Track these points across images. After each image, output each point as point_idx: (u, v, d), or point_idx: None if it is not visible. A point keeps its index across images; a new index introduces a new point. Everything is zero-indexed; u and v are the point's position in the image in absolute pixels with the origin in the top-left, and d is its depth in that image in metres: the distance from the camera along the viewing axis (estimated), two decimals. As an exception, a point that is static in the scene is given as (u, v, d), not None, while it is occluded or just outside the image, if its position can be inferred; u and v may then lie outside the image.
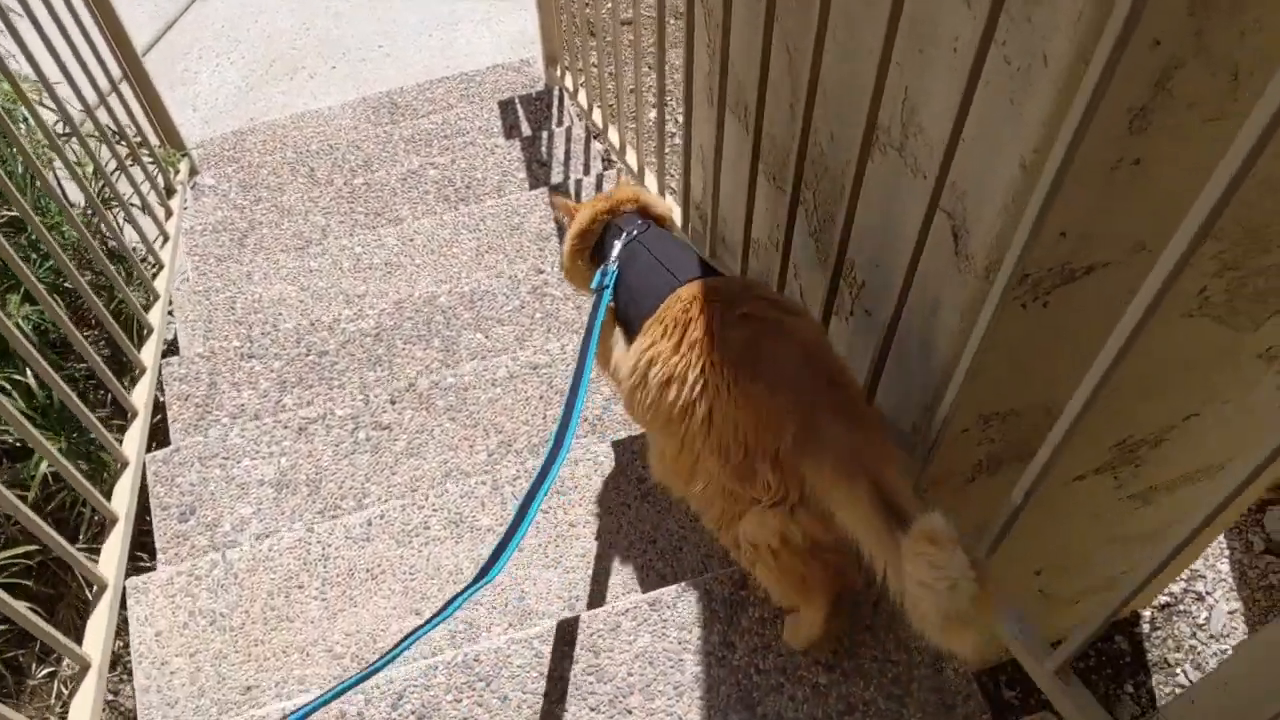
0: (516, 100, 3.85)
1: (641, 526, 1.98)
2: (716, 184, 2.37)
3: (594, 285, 1.77)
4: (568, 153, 3.50)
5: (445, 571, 1.94)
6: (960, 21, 1.30)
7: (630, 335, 1.67)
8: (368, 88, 4.44)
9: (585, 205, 1.95)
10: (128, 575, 1.97)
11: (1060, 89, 1.16)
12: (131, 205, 2.99)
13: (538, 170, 3.44)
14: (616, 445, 2.11)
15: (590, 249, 1.91)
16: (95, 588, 1.88)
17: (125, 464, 2.19)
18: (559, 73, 3.86)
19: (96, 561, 1.91)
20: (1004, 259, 1.29)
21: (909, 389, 1.76)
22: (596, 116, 3.39)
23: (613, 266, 1.76)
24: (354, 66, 4.58)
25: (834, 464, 1.34)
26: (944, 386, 1.65)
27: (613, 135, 3.19)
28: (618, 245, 1.79)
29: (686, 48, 2.28)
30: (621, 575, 1.92)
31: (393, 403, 2.35)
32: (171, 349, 3.04)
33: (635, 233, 1.81)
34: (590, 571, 1.93)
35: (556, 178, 3.44)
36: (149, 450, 2.31)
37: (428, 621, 1.37)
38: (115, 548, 1.96)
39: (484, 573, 1.41)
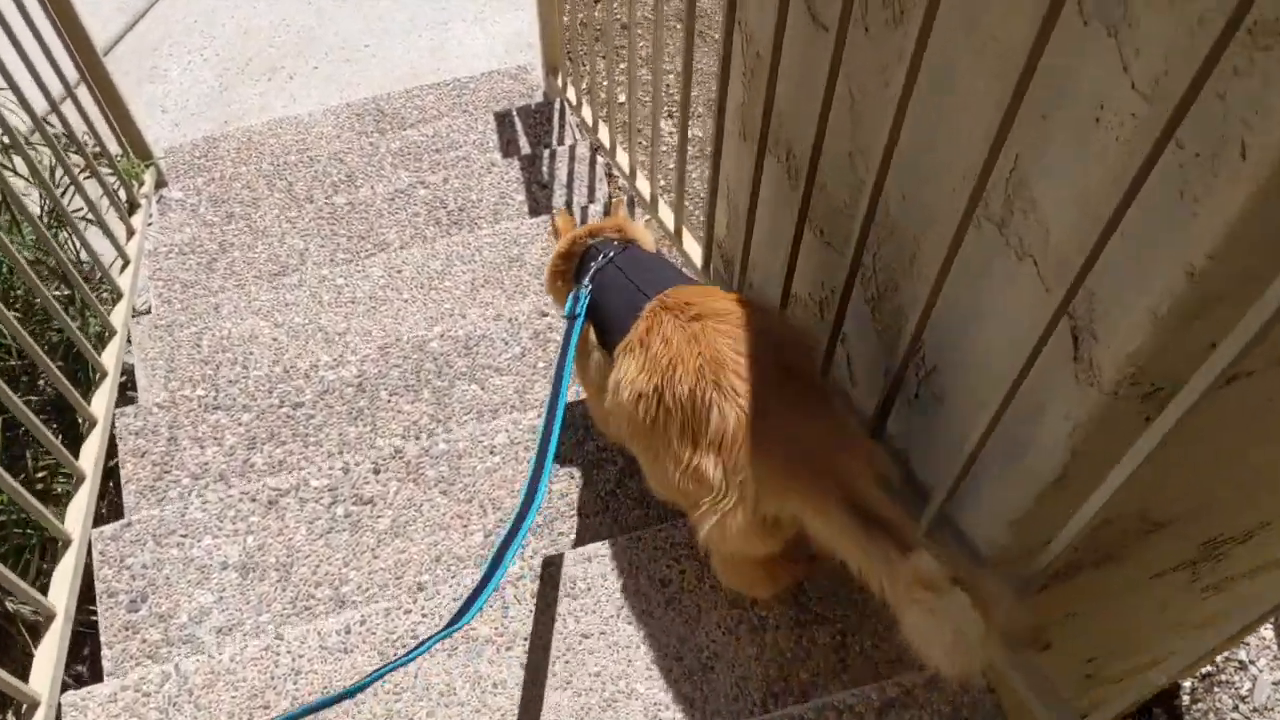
0: (514, 113, 3.56)
1: (665, 640, 1.71)
2: (749, 230, 2.09)
3: (566, 312, 1.77)
4: (571, 174, 3.20)
5: (435, 692, 1.66)
6: (1112, 88, 1.02)
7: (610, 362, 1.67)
8: (352, 91, 4.14)
9: (564, 242, 1.97)
10: (63, 689, 1.68)
11: (1260, 188, 0.90)
12: (88, 221, 2.69)
13: (538, 193, 3.16)
14: (634, 540, 1.83)
15: (570, 271, 1.92)
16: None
17: (68, 543, 1.90)
18: (560, 83, 3.56)
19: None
20: (1137, 372, 1.03)
21: (984, 491, 1.50)
22: (603, 135, 3.10)
23: (584, 291, 1.76)
24: (337, 67, 4.27)
25: (786, 463, 1.34)
26: (1033, 498, 1.40)
27: (621, 158, 2.91)
28: (592, 267, 1.79)
29: (720, 74, 2.00)
30: (642, 701, 1.64)
31: (376, 472, 2.07)
32: (126, 389, 2.74)
33: (611, 254, 1.79)
34: (605, 694, 1.65)
35: (559, 201, 3.15)
36: (96, 524, 2.02)
37: (392, 662, 1.38)
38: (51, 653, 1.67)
39: (457, 619, 1.40)
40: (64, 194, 2.71)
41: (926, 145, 1.42)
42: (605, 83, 2.92)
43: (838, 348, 1.86)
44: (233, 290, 2.89)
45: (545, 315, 2.49)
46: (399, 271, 2.78)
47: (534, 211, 3.11)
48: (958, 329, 1.48)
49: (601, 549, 1.82)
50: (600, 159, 3.24)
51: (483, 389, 2.37)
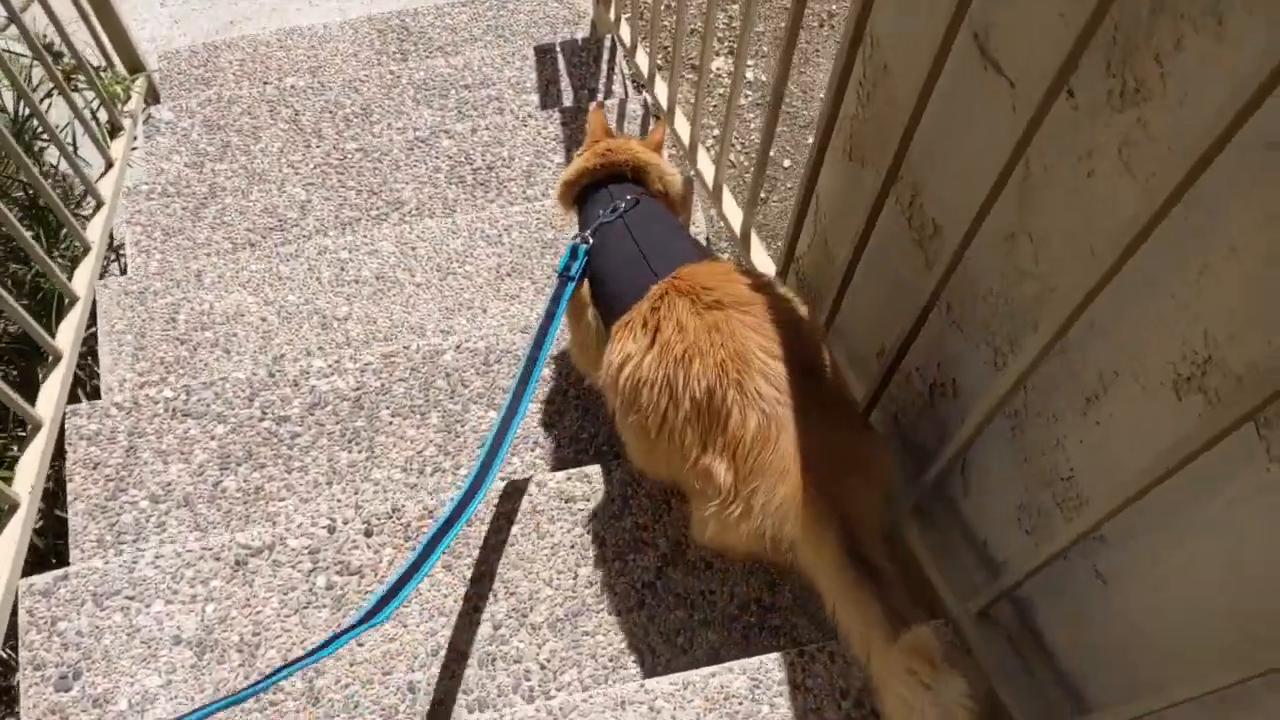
0: (557, 48, 3.09)
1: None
2: (847, 277, 1.69)
3: (560, 267, 1.65)
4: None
5: None
6: None
7: (606, 328, 1.59)
8: (376, 2, 3.64)
9: (586, 147, 1.85)
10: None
11: None
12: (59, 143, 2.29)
13: (580, 157, 2.72)
14: (682, 689, 1.48)
15: (574, 199, 1.83)
16: None
17: (39, 426, 1.73)
18: (612, 15, 3.06)
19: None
20: None
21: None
22: (660, 94, 2.65)
23: (582, 248, 1.64)
24: (362, -33, 3.77)
25: (797, 487, 1.28)
26: None
27: (682, 129, 2.46)
28: (599, 217, 1.67)
29: (835, 82, 1.57)
30: None
31: (368, 534, 1.71)
32: (85, 369, 2.37)
33: (622, 208, 1.67)
34: None
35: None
36: (26, 573, 1.67)
37: (308, 654, 1.29)
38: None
39: (375, 611, 1.32)
40: (38, 112, 2.29)
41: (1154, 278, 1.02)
42: (672, 30, 2.46)
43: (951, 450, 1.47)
44: (220, 247, 2.49)
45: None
46: (413, 248, 2.38)
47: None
48: (1157, 523, 1.10)
49: (637, 693, 1.46)
50: (657, 117, 2.80)
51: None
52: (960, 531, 1.57)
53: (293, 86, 2.97)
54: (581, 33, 3.29)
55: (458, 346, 2.06)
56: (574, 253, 1.65)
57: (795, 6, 1.59)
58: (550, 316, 1.61)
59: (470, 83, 3.00)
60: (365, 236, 2.39)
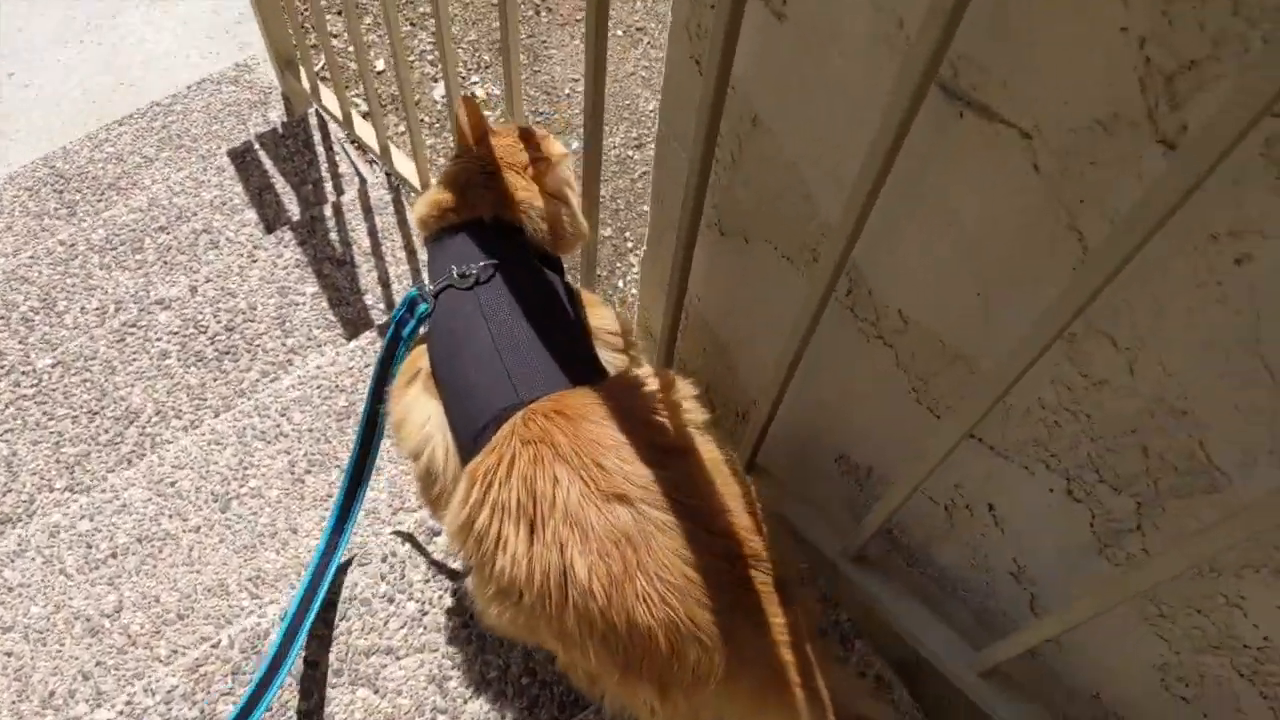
0: (256, 146, 2.50)
1: None
2: (781, 388, 1.28)
3: (394, 315, 1.31)
4: (376, 239, 2.23)
5: None
6: None
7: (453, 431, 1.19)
8: (10, 150, 2.91)
9: (444, 173, 1.39)
10: None
11: None
12: None
13: (339, 279, 2.17)
14: None
15: (430, 236, 1.37)
16: None
17: None
18: (307, 83, 2.49)
19: None
20: None
21: None
22: (405, 168, 2.13)
23: (422, 306, 1.29)
24: (-24, 114, 3.02)
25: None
26: None
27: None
28: (449, 273, 1.25)
29: (698, 153, 1.14)
30: None
31: None
32: None
33: (475, 276, 1.23)
34: None
35: (369, 280, 2.18)
36: None
37: None
38: None
39: None
40: None
41: None
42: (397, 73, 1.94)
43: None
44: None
45: (438, 534, 1.60)
46: (172, 484, 1.80)
47: (342, 314, 2.13)
48: None
49: None
50: (408, 199, 2.28)
51: (376, 693, 1.49)
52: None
53: (-65, 304, 2.28)
54: (275, 113, 2.70)
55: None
56: (410, 305, 1.30)
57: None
58: (378, 388, 1.32)
59: (165, 222, 2.38)
60: (105, 492, 1.79)
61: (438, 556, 1.60)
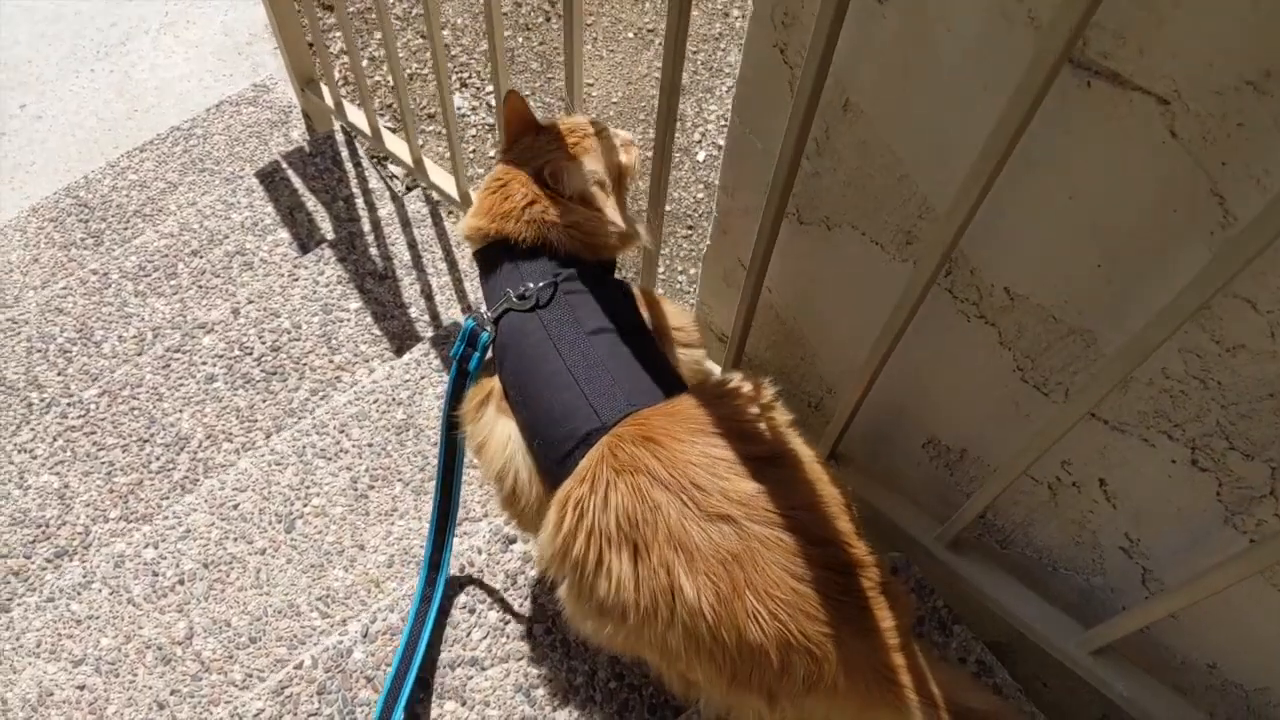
0: (284, 166, 2.48)
1: None
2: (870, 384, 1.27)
3: (453, 351, 1.30)
4: (416, 252, 2.22)
5: None
6: None
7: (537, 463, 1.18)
8: (29, 183, 2.89)
9: (486, 187, 1.31)
10: None
11: None
12: None
13: (381, 294, 2.16)
14: None
15: (476, 252, 1.32)
16: None
17: None
18: (329, 99, 2.47)
19: None
20: None
21: None
22: (441, 180, 2.11)
23: (485, 334, 1.26)
24: (-10, 147, 2.99)
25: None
26: None
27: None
28: (507, 298, 1.22)
29: (790, 144, 1.13)
30: None
31: None
32: None
33: (534, 300, 1.20)
34: None
35: (413, 293, 2.17)
36: None
37: None
38: None
39: None
40: None
41: None
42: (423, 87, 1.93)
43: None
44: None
45: (513, 541, 1.59)
46: (235, 507, 1.78)
47: (387, 328, 2.12)
48: None
49: None
50: (448, 210, 2.27)
51: (463, 704, 1.47)
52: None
53: (-27, 339, 2.26)
54: (296, 132, 2.69)
55: (365, 633, 1.51)
56: (470, 338, 1.27)
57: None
58: (450, 429, 1.31)
59: (197, 246, 2.37)
60: (168, 519, 1.77)
61: (514, 564, 1.58)
